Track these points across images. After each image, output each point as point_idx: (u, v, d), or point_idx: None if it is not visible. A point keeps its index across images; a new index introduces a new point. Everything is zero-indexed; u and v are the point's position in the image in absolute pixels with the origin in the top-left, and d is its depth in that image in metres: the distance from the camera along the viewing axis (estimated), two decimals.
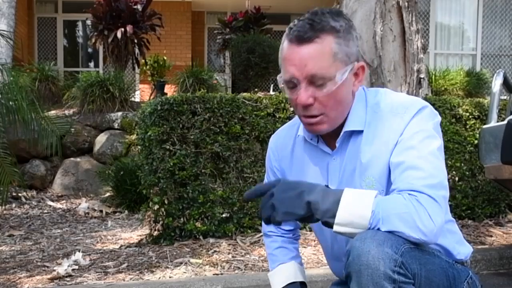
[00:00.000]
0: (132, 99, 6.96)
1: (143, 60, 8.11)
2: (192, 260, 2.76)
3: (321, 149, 1.33)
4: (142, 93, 9.46)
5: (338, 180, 1.31)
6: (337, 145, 1.30)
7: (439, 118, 1.28)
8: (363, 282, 1.08)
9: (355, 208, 1.12)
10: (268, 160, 1.49)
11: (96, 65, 10.74)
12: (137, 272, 2.64)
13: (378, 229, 1.11)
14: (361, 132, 1.27)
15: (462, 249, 1.35)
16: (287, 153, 1.42)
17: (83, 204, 4.95)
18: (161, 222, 3.14)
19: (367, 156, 1.26)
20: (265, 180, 1.52)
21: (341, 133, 1.28)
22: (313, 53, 1.19)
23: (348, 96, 1.26)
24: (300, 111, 1.24)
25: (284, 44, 1.24)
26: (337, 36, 1.20)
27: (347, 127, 1.27)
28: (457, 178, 3.53)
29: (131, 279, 2.55)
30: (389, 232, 1.11)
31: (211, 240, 3.09)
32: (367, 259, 1.08)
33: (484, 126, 2.77)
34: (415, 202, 1.11)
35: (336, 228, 1.13)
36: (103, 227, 4.16)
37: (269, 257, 1.54)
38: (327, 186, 1.32)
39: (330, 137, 1.32)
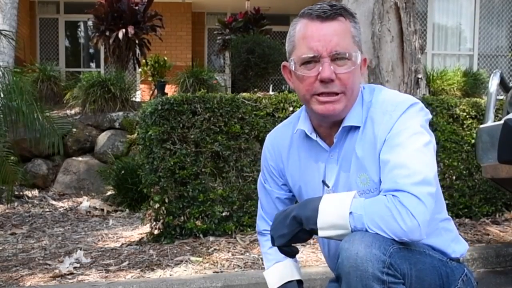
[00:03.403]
0: (133, 99, 6.99)
1: (144, 61, 8.14)
2: (192, 258, 2.79)
3: (319, 144, 1.34)
4: (142, 93, 9.49)
5: (335, 176, 1.33)
6: (335, 140, 1.31)
7: (428, 116, 1.29)
8: (352, 284, 1.10)
9: (333, 210, 1.15)
10: (264, 159, 1.49)
11: (98, 66, 10.77)
12: (138, 270, 2.66)
13: (366, 230, 1.13)
14: (358, 128, 1.29)
15: (458, 247, 1.36)
16: (284, 151, 1.43)
17: (85, 203, 4.97)
18: (161, 221, 3.17)
19: (361, 153, 1.27)
20: (260, 179, 1.53)
21: (340, 128, 1.29)
22: (338, 29, 1.23)
23: (359, 81, 1.30)
24: (318, 88, 1.24)
25: (301, 24, 1.27)
26: (354, 21, 1.28)
27: (346, 122, 1.29)
28: (454, 177, 3.55)
29: (132, 277, 2.57)
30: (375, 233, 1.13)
31: (211, 239, 3.12)
32: (356, 261, 1.10)
33: (481, 126, 2.78)
34: (397, 203, 1.13)
35: (320, 233, 1.16)
36: (104, 225, 4.19)
37: (264, 256, 1.55)
38: (323, 181, 1.34)
39: (328, 133, 1.33)
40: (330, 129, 1.32)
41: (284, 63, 1.35)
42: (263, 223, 1.55)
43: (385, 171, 1.21)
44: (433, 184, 1.19)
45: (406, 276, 1.14)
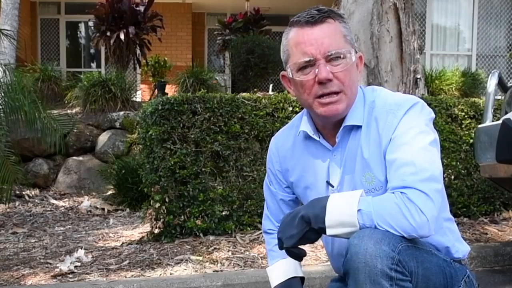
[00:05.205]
0: (134, 99, 7.02)
1: (144, 61, 8.16)
2: (192, 257, 2.80)
3: (322, 144, 1.36)
4: (143, 93, 9.50)
5: (339, 176, 1.34)
6: (337, 140, 1.32)
7: (432, 115, 1.31)
8: (361, 280, 1.11)
9: (341, 208, 1.16)
10: (269, 162, 1.51)
11: (98, 66, 10.78)
12: (139, 269, 2.68)
13: (375, 227, 1.13)
14: (360, 127, 1.30)
15: (461, 247, 1.37)
16: (288, 153, 1.44)
17: (86, 202, 4.99)
18: (162, 220, 3.19)
19: (366, 152, 1.29)
20: (265, 180, 1.55)
21: (341, 128, 1.30)
22: (328, 31, 1.26)
23: (357, 79, 1.31)
24: (318, 90, 1.26)
25: (292, 32, 1.29)
26: (343, 21, 1.30)
27: (347, 122, 1.30)
28: (452, 177, 3.57)
29: (132, 276, 2.58)
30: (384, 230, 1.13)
31: (211, 238, 3.13)
32: (365, 257, 1.10)
33: (480, 126, 2.80)
34: (405, 200, 1.14)
35: (328, 231, 1.17)
36: (105, 224, 4.21)
37: (268, 253, 1.57)
38: (328, 182, 1.35)
39: (330, 133, 1.35)
40: (333, 130, 1.33)
41: (282, 72, 1.37)
42: (268, 223, 1.57)
43: (392, 169, 1.22)
44: (440, 181, 1.21)
45: (413, 274, 1.15)
